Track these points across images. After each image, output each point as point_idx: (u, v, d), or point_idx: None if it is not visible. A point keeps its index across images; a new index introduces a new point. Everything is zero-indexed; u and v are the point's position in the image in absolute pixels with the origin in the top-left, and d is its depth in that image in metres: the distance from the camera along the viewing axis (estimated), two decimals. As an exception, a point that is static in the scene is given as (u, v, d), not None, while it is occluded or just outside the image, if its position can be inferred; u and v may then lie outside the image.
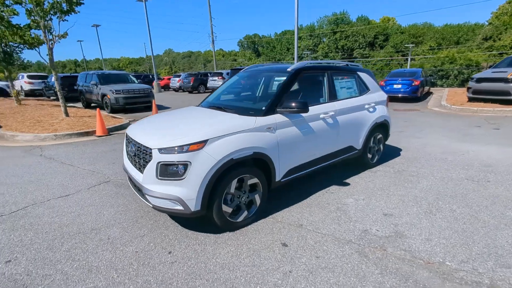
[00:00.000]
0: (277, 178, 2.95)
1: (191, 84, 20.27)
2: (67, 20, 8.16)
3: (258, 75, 3.89)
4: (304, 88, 3.46)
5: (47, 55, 7.89)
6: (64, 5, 7.65)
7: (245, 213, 2.75)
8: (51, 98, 16.73)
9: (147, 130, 2.83)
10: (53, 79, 17.87)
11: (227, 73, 18.63)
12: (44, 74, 21.25)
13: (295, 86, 3.34)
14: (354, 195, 3.41)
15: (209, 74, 20.45)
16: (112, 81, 12.02)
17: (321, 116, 3.29)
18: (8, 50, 10.60)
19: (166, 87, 26.16)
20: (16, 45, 10.41)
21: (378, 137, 4.37)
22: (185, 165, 2.34)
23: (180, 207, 2.38)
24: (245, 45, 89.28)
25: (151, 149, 2.43)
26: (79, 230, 2.74)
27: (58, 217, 3.00)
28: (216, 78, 18.63)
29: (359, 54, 54.72)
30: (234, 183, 2.59)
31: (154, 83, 22.58)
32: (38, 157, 5.32)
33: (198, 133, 2.46)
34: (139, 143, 2.62)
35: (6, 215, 3.07)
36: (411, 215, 2.91)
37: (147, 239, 2.57)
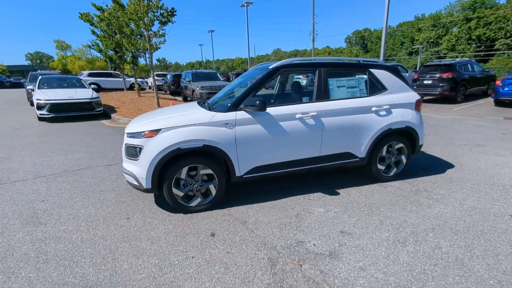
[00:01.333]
0: (238, 174, 3.03)
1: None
2: (164, 30, 10.12)
3: (254, 74, 3.94)
4: (285, 87, 3.32)
5: (151, 58, 10.03)
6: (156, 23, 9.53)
7: (199, 200, 2.99)
8: (167, 92, 20.75)
9: (140, 118, 3.44)
10: (167, 76, 22.03)
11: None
12: (165, 72, 26.40)
13: (281, 85, 3.27)
14: (329, 206, 3.08)
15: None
16: (202, 79, 13.95)
17: (298, 116, 3.10)
18: (135, 55, 13.88)
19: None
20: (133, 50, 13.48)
21: (397, 146, 3.65)
22: (140, 148, 2.79)
23: (136, 183, 2.86)
24: (353, 41, 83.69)
25: (125, 133, 3.01)
26: (99, 189, 3.64)
27: (108, 175, 4.03)
28: (300, 76, 18.60)
29: (504, 46, 42.54)
30: (185, 170, 2.87)
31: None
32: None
33: (156, 123, 2.86)
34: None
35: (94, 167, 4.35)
36: (373, 240, 2.44)
37: (128, 205, 3.19)
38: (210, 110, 3.04)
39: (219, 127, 2.88)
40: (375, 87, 3.53)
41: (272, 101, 3.84)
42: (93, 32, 14.14)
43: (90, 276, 2.07)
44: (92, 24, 13.42)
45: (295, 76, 3.78)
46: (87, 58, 41.63)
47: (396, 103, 3.53)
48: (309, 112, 3.14)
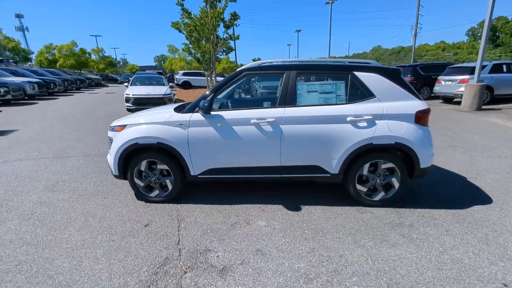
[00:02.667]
0: (193, 173, 3.14)
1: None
2: (227, 33, 10.92)
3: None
4: (248, 91, 3.18)
5: (213, 60, 11.02)
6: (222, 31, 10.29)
7: (157, 192, 3.25)
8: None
9: (129, 115, 3.91)
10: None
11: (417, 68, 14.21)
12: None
13: (248, 88, 3.16)
14: (275, 221, 2.83)
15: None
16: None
17: (253, 121, 2.94)
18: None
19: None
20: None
21: (385, 166, 2.97)
22: (112, 140, 3.25)
23: (110, 169, 3.35)
24: (478, 34, 68.26)
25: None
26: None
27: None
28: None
29: None
30: (144, 163, 3.17)
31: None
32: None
33: (126, 120, 3.27)
34: None
35: (105, 154, 5.36)
36: (280, 267, 2.16)
37: (114, 188, 3.76)
38: (175, 110, 3.24)
39: (174, 126, 3.05)
40: (358, 93, 2.98)
41: (232, 104, 3.70)
42: (186, 37, 16.42)
43: (38, 233, 2.60)
44: (180, 31, 15.58)
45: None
46: (187, 59, 48.10)
47: (384, 113, 2.88)
48: (266, 118, 2.94)
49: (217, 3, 10.18)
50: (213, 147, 3.03)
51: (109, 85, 35.35)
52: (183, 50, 20.53)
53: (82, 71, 34.31)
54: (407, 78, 13.15)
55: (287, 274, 2.08)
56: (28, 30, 54.73)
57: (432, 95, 13.09)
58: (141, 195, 3.28)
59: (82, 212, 3.06)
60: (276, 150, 2.98)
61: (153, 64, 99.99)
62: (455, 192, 3.43)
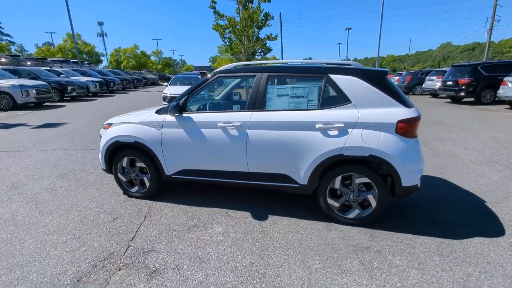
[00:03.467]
0: (167, 172, 3.22)
1: (405, 84, 17.41)
2: (259, 34, 10.92)
3: None
4: (222, 93, 3.11)
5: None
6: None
7: (137, 188, 3.42)
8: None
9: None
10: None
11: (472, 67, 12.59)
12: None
13: (223, 90, 3.11)
14: (233, 228, 2.73)
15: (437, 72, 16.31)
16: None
17: (220, 125, 2.88)
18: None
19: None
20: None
21: (360, 181, 2.61)
22: (100, 136, 3.52)
23: (101, 163, 3.63)
24: None
25: (105, 124, 3.84)
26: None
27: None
28: (434, 77, 14.71)
29: None
30: (125, 160, 3.36)
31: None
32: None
33: (113, 119, 3.50)
34: None
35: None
36: (208, 278, 2.08)
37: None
38: (156, 112, 3.35)
39: (150, 127, 3.17)
40: (332, 98, 2.69)
41: (206, 107, 3.60)
42: (230, 39, 16.92)
43: (28, 216, 2.96)
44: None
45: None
46: (233, 60, 49.45)
47: (359, 121, 2.54)
48: (232, 122, 2.85)
49: (249, 4, 10.27)
50: (183, 148, 3.06)
51: (164, 84, 38.45)
52: (222, 51, 21.12)
53: (142, 71, 38.09)
54: (464, 80, 11.45)
55: (210, 286, 1.99)
56: (106, 36, 62.95)
57: (496, 99, 11.16)
58: (124, 189, 3.49)
59: (71, 201, 3.39)
60: (243, 156, 2.87)
61: (208, 64, 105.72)
62: (461, 218, 2.87)
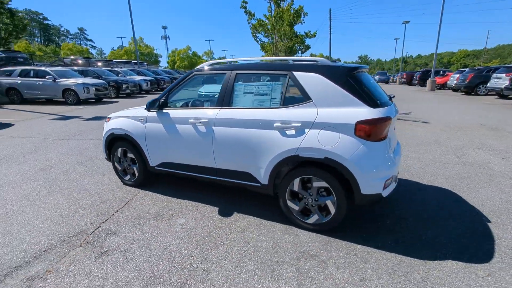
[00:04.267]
0: (151, 164, 3.47)
1: (466, 82, 15.15)
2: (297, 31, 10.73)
3: None
4: (198, 90, 3.19)
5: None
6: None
7: (129, 176, 3.76)
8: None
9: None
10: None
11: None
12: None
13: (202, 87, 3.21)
14: (193, 221, 2.83)
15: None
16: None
17: (190, 121, 2.98)
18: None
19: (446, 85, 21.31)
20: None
21: (318, 185, 2.44)
22: (103, 129, 3.94)
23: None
24: None
25: (113, 118, 4.26)
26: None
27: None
28: (502, 75, 12.49)
29: None
30: (120, 151, 3.71)
31: (429, 81, 19.67)
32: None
33: (114, 113, 3.87)
34: None
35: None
36: (148, 264, 2.21)
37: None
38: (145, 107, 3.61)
39: (137, 121, 3.44)
40: (294, 96, 2.56)
41: (184, 103, 3.65)
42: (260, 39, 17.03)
43: (38, 192, 3.50)
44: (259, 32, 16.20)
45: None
46: None
47: (316, 121, 2.38)
48: (201, 119, 2.93)
49: (282, 1, 10.14)
50: (162, 142, 3.26)
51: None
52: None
53: None
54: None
55: (141, 272, 2.12)
56: (169, 38, 69.25)
57: None
58: (120, 177, 3.86)
59: (77, 184, 3.88)
60: (210, 152, 2.94)
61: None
62: (445, 236, 2.48)
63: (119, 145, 3.68)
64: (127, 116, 3.56)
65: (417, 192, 3.42)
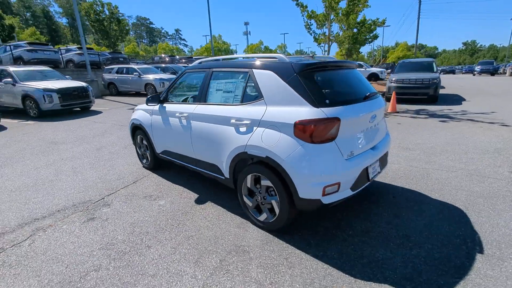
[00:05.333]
0: (157, 151, 3.98)
1: None
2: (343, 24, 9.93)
3: None
4: (189, 87, 3.46)
5: (328, 50, 10.47)
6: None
7: (145, 160, 4.39)
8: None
9: None
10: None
11: None
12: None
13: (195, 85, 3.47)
14: (172, 204, 3.17)
15: None
16: (405, 70, 11.61)
17: (177, 115, 3.30)
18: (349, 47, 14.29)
19: None
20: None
21: (265, 184, 2.40)
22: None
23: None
24: None
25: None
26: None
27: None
28: None
29: None
30: (138, 138, 4.36)
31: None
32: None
33: (138, 106, 4.53)
34: None
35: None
36: (107, 238, 2.66)
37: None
38: None
39: (147, 113, 3.98)
40: (251, 93, 2.56)
41: (188, 99, 3.83)
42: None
43: (77, 157, 4.48)
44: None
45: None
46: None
47: (262, 119, 2.35)
48: (183, 113, 3.21)
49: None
50: (161, 132, 3.71)
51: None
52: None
53: None
54: None
55: (104, 238, 2.58)
56: (250, 34, 72.88)
57: None
58: (140, 160, 4.54)
59: (111, 163, 4.73)
60: (189, 143, 3.21)
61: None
62: (411, 263, 2.12)
63: (138, 133, 4.33)
64: (142, 109, 4.14)
65: (414, 206, 2.93)
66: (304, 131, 2.14)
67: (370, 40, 13.97)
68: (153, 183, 3.81)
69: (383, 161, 2.77)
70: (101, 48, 28.53)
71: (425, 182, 3.48)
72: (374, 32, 13.65)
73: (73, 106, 9.95)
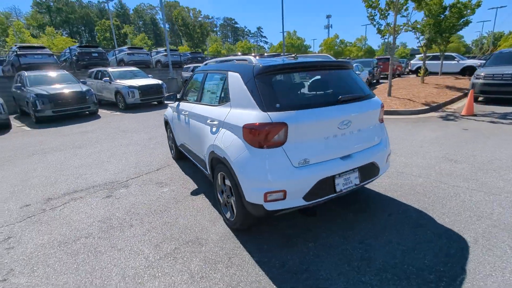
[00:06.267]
0: (177, 143, 4.46)
1: None
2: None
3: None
4: (196, 87, 3.72)
5: (394, 41, 9.24)
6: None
7: (173, 151, 4.94)
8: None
9: None
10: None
11: None
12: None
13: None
14: (173, 192, 3.55)
15: None
16: (501, 63, 9.31)
17: (183, 112, 3.63)
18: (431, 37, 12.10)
19: None
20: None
21: (227, 182, 2.46)
22: (168, 114, 5.29)
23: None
24: None
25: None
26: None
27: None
28: None
29: None
30: (168, 132, 4.93)
31: None
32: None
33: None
34: None
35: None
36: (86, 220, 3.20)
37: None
38: None
39: (171, 110, 4.48)
40: (225, 95, 2.64)
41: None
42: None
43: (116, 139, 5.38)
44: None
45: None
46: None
47: (225, 121, 2.43)
48: (186, 111, 3.52)
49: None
50: (177, 127, 4.14)
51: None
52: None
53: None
54: None
55: (106, 213, 3.12)
56: (331, 27, 70.51)
57: None
58: (170, 150, 5.15)
59: (151, 151, 5.49)
60: (189, 138, 3.52)
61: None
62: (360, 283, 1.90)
63: (167, 127, 4.92)
64: (171, 106, 4.67)
65: (405, 229, 2.49)
66: (250, 135, 2.12)
67: (460, 27, 11.47)
68: (169, 172, 4.30)
69: (366, 173, 2.46)
70: (190, 49, 32.28)
71: (442, 204, 2.88)
72: (466, 18, 11.15)
73: (150, 100, 11.72)
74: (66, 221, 3.00)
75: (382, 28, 9.24)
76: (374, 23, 9.23)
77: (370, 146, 2.51)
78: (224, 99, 2.72)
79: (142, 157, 5.12)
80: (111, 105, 12.25)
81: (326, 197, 2.26)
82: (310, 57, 3.08)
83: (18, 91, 9.95)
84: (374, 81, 15.44)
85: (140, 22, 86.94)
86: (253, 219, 2.42)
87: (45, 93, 8.97)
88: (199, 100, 3.32)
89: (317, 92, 2.45)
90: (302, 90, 2.48)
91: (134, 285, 2.04)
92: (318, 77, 2.49)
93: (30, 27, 56.66)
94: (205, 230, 2.69)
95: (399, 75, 20.99)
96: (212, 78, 3.13)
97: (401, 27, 9.06)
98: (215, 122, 2.62)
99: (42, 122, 9.04)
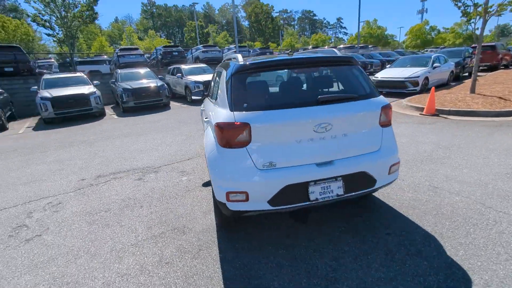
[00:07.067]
0: (206, 137, 4.76)
1: None
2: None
3: None
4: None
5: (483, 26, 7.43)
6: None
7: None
8: None
9: None
10: None
11: None
12: None
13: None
14: (189, 182, 3.84)
15: None
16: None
17: (201, 107, 3.86)
18: None
19: None
20: None
21: (211, 178, 2.53)
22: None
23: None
24: None
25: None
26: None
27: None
28: None
29: None
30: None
31: None
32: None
33: (210, 97, 5.43)
34: None
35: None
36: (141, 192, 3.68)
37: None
38: None
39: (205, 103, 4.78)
40: (217, 92, 2.68)
41: None
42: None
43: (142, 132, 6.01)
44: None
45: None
46: None
47: (210, 118, 2.48)
48: (204, 106, 3.72)
49: None
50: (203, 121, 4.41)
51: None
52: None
53: (421, 51, 32.13)
54: None
55: (129, 194, 3.61)
56: (426, 12, 61.02)
57: None
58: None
59: (191, 142, 6.00)
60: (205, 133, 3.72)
61: None
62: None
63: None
64: (204, 100, 4.99)
65: (398, 250, 2.08)
66: (218, 133, 2.14)
67: (494, 12, 8.20)
68: (196, 163, 4.63)
69: (354, 184, 2.16)
70: (262, 45, 33.08)
71: (467, 231, 2.29)
72: None
73: (213, 95, 12.65)
74: (100, 196, 3.61)
75: (471, 10, 7.58)
76: (459, 4, 7.66)
77: (361, 154, 2.19)
78: (216, 96, 2.79)
79: (182, 147, 5.64)
80: (183, 98, 13.69)
81: (297, 205, 2.10)
82: (305, 54, 2.84)
83: (113, 86, 12.16)
84: (466, 73, 12.78)
85: (224, 21, 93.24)
86: (228, 217, 2.44)
87: (129, 87, 10.75)
88: (211, 97, 3.47)
89: (295, 92, 2.27)
90: (280, 90, 2.32)
91: (116, 258, 2.35)
92: (301, 76, 2.29)
93: (138, 31, 67.70)
94: (194, 220, 2.85)
95: (506, 66, 16.83)
96: (218, 76, 3.23)
97: (495, 7, 7.20)
98: (207, 119, 2.72)
99: (127, 111, 10.88)
